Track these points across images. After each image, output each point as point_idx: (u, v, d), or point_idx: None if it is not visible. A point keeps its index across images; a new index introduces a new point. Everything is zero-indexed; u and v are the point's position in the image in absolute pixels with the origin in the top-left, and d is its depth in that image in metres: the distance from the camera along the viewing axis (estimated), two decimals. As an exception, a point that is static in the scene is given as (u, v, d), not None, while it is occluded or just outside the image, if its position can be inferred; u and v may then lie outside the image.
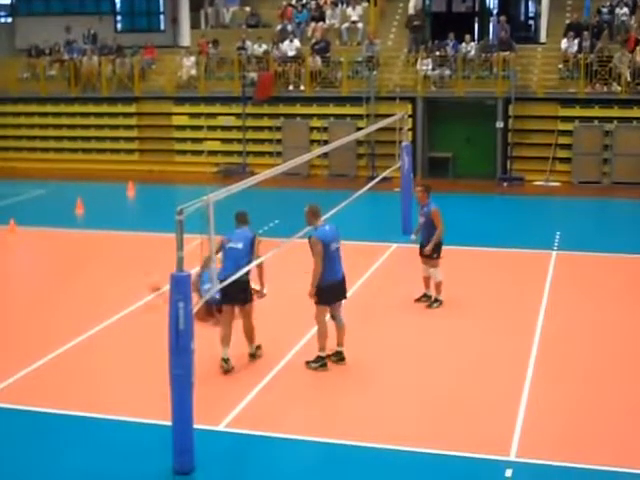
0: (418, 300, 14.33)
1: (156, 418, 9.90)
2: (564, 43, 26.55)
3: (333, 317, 11.72)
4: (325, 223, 11.67)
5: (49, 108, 30.31)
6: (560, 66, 26.55)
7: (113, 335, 13.09)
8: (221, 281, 10.53)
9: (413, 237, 14.85)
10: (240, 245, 11.44)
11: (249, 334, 11.79)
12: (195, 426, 8.95)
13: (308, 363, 11.62)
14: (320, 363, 11.57)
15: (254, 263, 11.35)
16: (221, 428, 9.92)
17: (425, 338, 12.88)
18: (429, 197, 14.15)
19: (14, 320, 13.88)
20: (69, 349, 12.46)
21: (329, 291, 11.45)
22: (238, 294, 11.29)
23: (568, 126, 25.68)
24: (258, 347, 11.99)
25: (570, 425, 9.92)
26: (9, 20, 35.97)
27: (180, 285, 8.58)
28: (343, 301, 11.85)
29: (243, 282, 11.16)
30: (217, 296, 12.16)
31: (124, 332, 13.22)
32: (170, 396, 8.78)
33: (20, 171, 28.92)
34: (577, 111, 25.68)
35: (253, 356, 11.91)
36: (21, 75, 31.16)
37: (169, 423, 8.91)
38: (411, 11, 28.90)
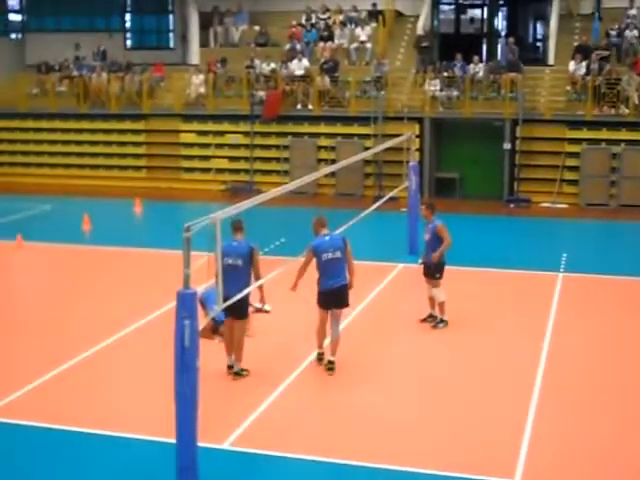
0: (424, 320, 14.30)
1: (160, 435, 9.87)
2: (572, 65, 26.61)
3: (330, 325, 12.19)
4: (329, 234, 12.14)
5: (58, 124, 30.45)
6: (568, 88, 26.60)
7: (118, 351, 13.06)
8: (225, 299, 10.58)
9: (421, 261, 14.84)
10: (240, 262, 11.56)
11: (237, 348, 11.91)
12: (199, 444, 8.91)
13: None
14: (317, 358, 12.35)
15: (257, 283, 11.45)
16: (225, 446, 9.87)
17: (431, 358, 12.84)
18: (434, 214, 14.18)
19: (19, 335, 13.86)
20: (74, 365, 12.43)
21: (325, 297, 12.06)
22: (235, 308, 11.31)
23: (575, 148, 25.70)
24: (243, 370, 11.95)
25: (576, 450, 9.84)
26: (20, 36, 36.20)
27: (186, 302, 8.56)
28: (343, 310, 12.27)
29: (241, 298, 11.24)
30: (223, 317, 12.17)
31: (129, 348, 13.19)
32: (175, 413, 8.76)
33: (28, 186, 29.00)
34: (584, 133, 25.72)
35: (231, 368, 11.94)
36: (30, 91, 31.34)
37: (173, 440, 8.88)
38: (419, 32, 29.02)
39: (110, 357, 12.85)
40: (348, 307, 12.41)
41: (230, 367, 11.95)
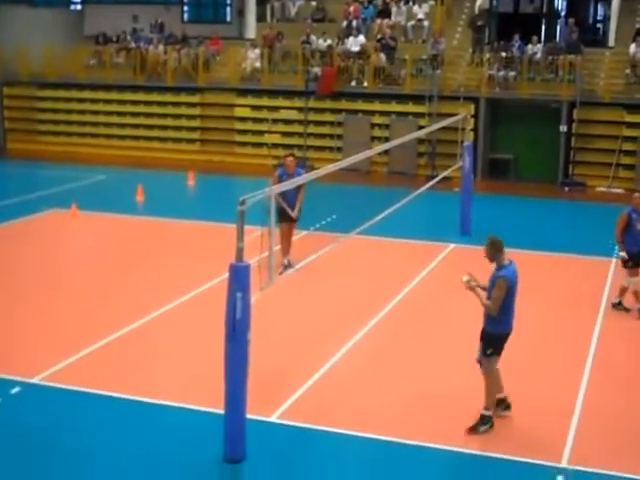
0: (617, 305, 14.15)
1: (210, 405, 9.99)
2: (633, 48, 26.14)
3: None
4: (510, 261, 9.88)
5: (114, 95, 30.69)
6: (628, 71, 26.14)
7: (171, 321, 13.22)
8: None
9: (622, 254, 14.01)
10: None
11: None
12: (247, 416, 9.01)
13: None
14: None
15: None
16: (273, 419, 9.97)
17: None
18: None
19: (72, 303, 14.08)
20: (127, 333, 12.61)
21: (501, 341, 9.93)
22: None
23: (633, 132, 25.29)
24: None
25: (626, 434, 9.77)
26: (79, 7, 36.53)
27: (239, 275, 8.62)
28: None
29: None
30: None
31: (182, 319, 13.34)
32: (224, 384, 8.85)
33: (83, 156, 29.35)
34: (643, 117, 25.31)
35: None
36: (88, 62, 31.64)
37: (222, 411, 8.98)
38: (475, 11, 28.70)
39: (163, 327, 13.01)
40: None
41: None
